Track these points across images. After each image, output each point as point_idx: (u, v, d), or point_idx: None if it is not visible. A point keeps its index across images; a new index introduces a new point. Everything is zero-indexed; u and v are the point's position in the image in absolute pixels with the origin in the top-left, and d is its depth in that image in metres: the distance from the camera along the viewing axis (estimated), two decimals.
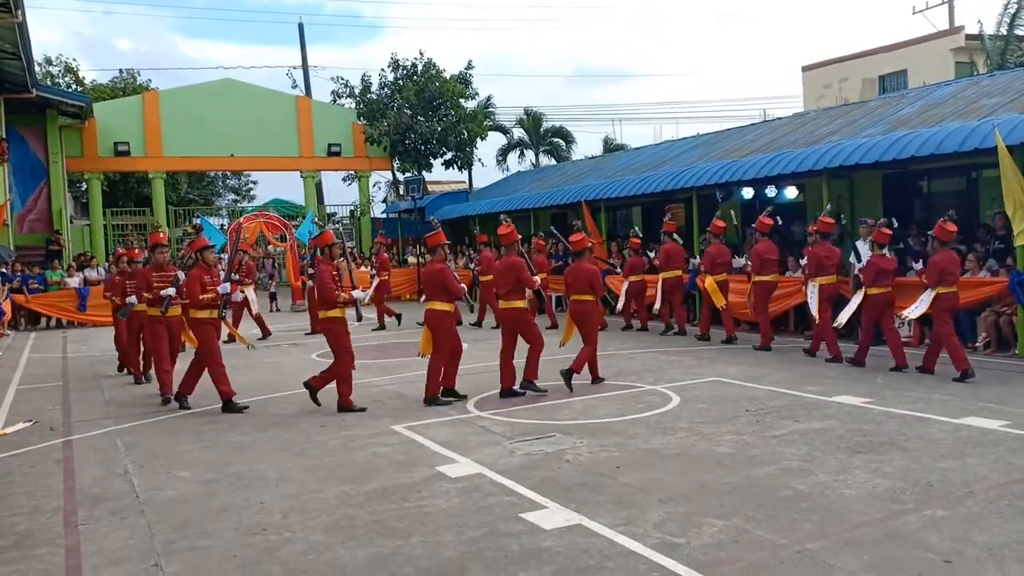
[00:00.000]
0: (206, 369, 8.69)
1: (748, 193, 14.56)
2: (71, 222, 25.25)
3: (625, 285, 14.34)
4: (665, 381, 9.21)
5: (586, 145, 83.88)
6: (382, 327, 15.98)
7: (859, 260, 11.54)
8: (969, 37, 26.38)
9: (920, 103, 14.48)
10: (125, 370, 11.32)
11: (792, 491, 5.21)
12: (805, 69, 31.41)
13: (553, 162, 32.88)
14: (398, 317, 16.08)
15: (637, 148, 25.68)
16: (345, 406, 8.23)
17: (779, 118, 20.09)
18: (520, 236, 9.34)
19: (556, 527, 4.73)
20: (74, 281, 19.80)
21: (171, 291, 9.14)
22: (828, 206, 11.22)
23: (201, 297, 8.59)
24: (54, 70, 33.62)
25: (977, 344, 10.57)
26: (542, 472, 5.84)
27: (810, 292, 10.70)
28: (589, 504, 5.09)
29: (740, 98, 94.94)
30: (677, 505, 5.03)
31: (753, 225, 12.04)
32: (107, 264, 21.92)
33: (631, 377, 9.61)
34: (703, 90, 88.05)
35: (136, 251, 11.05)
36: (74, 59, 36.16)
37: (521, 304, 8.81)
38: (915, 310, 9.29)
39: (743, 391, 8.56)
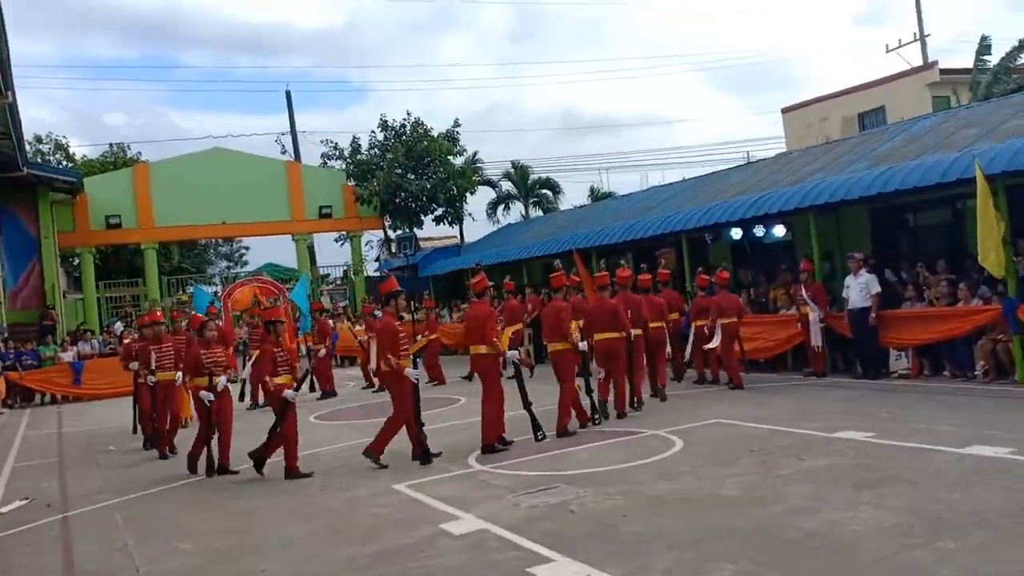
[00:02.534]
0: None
1: (737, 234, 14.67)
2: (64, 297, 25.21)
3: None
4: (666, 425, 9.14)
5: (573, 195, 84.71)
6: (376, 387, 15.73)
7: (849, 295, 11.64)
8: (943, 72, 26.89)
9: (900, 138, 14.67)
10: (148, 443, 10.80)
11: (800, 531, 5.15)
12: (785, 111, 31.91)
13: (541, 213, 33.11)
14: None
15: (625, 195, 25.90)
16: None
17: (763, 159, 20.31)
18: (492, 283, 9.24)
19: None
20: (68, 356, 19.68)
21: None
22: (662, 261, 14.50)
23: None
24: (44, 147, 33.98)
25: (976, 372, 10.52)
26: (548, 524, 5.76)
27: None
28: (597, 555, 5.02)
29: (724, 142, 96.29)
30: (685, 552, 4.96)
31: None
32: (102, 337, 21.82)
33: (632, 422, 9.55)
34: (687, 136, 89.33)
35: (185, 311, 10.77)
36: (64, 136, 36.48)
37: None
38: (714, 341, 11.62)
39: (745, 431, 8.51)
